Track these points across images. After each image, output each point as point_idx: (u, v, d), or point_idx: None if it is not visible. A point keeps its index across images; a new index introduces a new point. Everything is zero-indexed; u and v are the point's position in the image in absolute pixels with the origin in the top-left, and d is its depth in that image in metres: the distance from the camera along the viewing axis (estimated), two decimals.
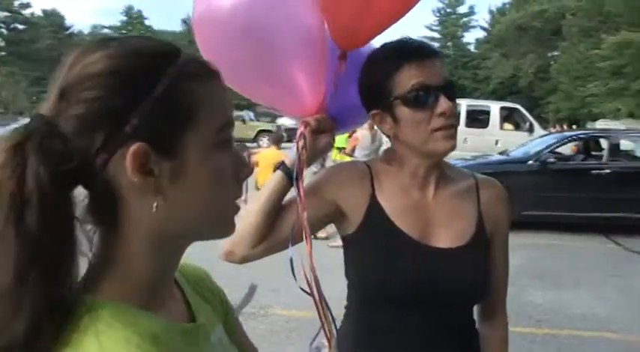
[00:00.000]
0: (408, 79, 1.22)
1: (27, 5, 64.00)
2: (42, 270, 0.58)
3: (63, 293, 0.60)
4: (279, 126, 20.60)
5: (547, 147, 9.10)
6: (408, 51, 1.24)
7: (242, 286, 4.92)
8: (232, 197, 0.72)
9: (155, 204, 0.64)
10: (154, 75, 0.64)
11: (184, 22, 69.43)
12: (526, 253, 6.74)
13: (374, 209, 1.31)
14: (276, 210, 1.30)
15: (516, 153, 9.75)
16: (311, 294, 1.24)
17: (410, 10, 1.29)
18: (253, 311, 4.54)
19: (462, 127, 14.23)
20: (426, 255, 1.28)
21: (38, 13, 66.85)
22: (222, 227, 0.73)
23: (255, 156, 7.51)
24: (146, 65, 0.64)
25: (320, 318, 1.27)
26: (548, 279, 6.06)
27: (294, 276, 1.23)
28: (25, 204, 0.57)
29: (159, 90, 0.63)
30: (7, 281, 0.56)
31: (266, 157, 7.19)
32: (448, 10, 64.94)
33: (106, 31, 74.83)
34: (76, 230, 0.62)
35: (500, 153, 10.34)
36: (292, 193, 1.31)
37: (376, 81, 1.26)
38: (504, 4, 58.81)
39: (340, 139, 8.52)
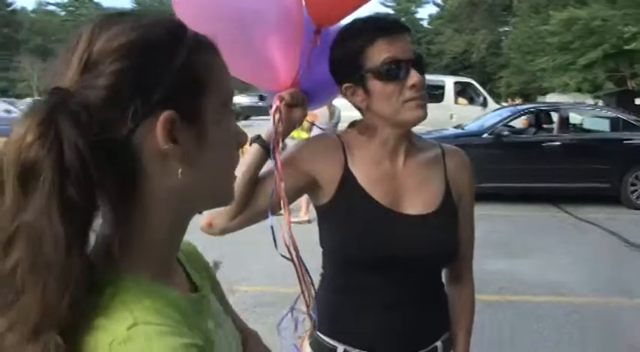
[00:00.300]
0: (380, 53, 1.28)
1: None
2: (84, 243, 0.59)
3: (93, 264, 0.61)
4: (234, 104, 20.39)
5: (501, 121, 9.35)
6: (380, 26, 1.30)
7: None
8: (237, 161, 0.76)
9: (180, 170, 0.66)
10: (174, 45, 0.66)
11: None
12: (482, 224, 6.86)
13: (347, 179, 1.36)
14: (253, 182, 1.34)
15: (471, 126, 9.97)
16: (292, 260, 1.30)
17: None
18: None
19: None
20: (397, 221, 1.35)
21: None
22: (228, 195, 0.77)
23: None
24: (166, 36, 0.66)
25: (300, 284, 1.34)
26: (503, 248, 6.29)
27: (275, 244, 1.29)
28: (67, 177, 0.56)
29: (180, 59, 0.65)
30: (59, 257, 0.56)
31: None
32: None
33: (51, 7, 72.15)
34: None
35: (456, 127, 10.55)
36: (268, 166, 1.36)
37: (348, 55, 1.31)
38: None
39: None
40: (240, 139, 0.76)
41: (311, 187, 1.39)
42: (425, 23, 65.39)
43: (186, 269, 0.84)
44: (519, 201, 8.72)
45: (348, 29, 1.33)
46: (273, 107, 1.35)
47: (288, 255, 1.31)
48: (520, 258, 6.00)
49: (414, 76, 1.28)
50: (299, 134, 7.47)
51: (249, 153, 1.35)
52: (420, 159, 1.41)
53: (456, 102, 14.90)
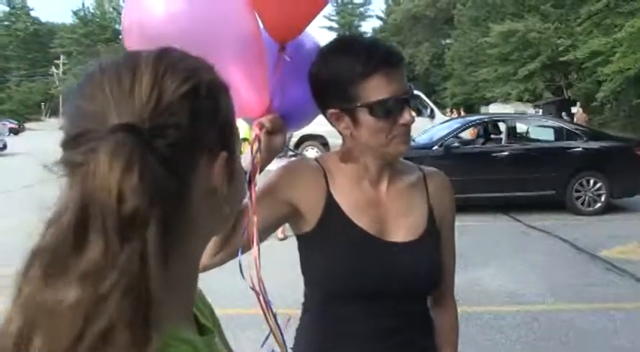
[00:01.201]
0: (375, 89, 1.22)
1: None
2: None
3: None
4: None
5: (450, 133, 9.55)
6: (376, 58, 1.23)
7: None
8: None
9: (224, 207, 0.69)
10: (220, 87, 0.69)
11: (75, 13, 65.84)
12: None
13: (330, 206, 1.33)
14: None
15: (421, 139, 10.13)
16: (258, 299, 1.26)
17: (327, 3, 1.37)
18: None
19: None
20: (384, 249, 1.32)
21: None
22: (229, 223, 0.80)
23: None
24: (215, 78, 0.69)
25: (269, 325, 1.29)
26: (460, 259, 6.36)
27: (243, 276, 1.27)
28: (166, 226, 0.55)
29: (224, 101, 0.68)
30: (110, 295, 0.51)
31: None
32: (345, 0, 65.99)
33: None
34: None
35: None
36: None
37: (338, 81, 1.25)
38: None
39: (245, 130, 8.24)
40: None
41: (292, 216, 1.34)
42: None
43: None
44: (471, 211, 8.90)
45: (335, 51, 1.28)
46: (252, 135, 1.31)
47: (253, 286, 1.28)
48: (476, 267, 6.07)
49: (407, 116, 1.25)
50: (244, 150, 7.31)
51: None
52: (403, 184, 1.39)
53: None
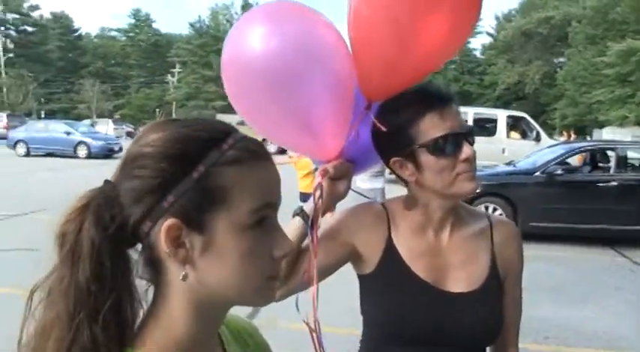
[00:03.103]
0: (432, 127, 1.25)
1: (36, 7, 64.40)
2: (89, 315, 0.68)
3: (112, 338, 0.69)
4: None
5: (554, 159, 9.12)
6: (429, 98, 1.27)
7: None
8: (263, 275, 0.75)
9: (183, 273, 0.71)
10: (194, 160, 0.71)
11: (192, 25, 69.53)
12: (533, 265, 6.73)
13: (390, 252, 1.34)
14: (293, 257, 1.33)
15: (523, 163, 9.78)
16: (312, 335, 1.27)
17: (438, 67, 1.35)
18: (259, 323, 4.56)
19: None
20: (440, 299, 1.31)
21: (47, 15, 66.96)
22: (256, 299, 0.77)
23: (292, 162, 7.37)
24: (190, 151, 0.72)
25: None
26: (555, 293, 6.08)
27: (298, 309, 1.29)
28: (79, 258, 0.68)
29: (195, 174, 0.70)
30: (63, 315, 0.68)
31: (302, 165, 7.12)
32: None
33: (113, 33, 75.18)
34: (127, 283, 0.71)
35: (507, 164, 10.37)
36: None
37: (396, 128, 1.27)
38: (510, 10, 58.94)
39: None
40: (274, 252, 0.75)
41: (352, 257, 1.38)
42: (478, 53, 64.95)
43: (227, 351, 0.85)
44: (572, 243, 8.45)
45: (394, 102, 1.30)
46: (315, 182, 1.34)
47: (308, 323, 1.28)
48: (571, 304, 5.77)
49: (467, 150, 1.26)
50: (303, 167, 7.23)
51: (290, 227, 1.32)
52: (467, 233, 1.38)
53: (508, 136, 14.69)
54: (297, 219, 1.34)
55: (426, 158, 1.27)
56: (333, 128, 1.30)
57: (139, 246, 0.74)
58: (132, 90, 68.10)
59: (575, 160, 11.24)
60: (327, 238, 1.35)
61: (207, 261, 0.71)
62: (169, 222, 0.69)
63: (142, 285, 0.75)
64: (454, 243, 1.36)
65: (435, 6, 1.17)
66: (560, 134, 27.52)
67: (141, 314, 0.75)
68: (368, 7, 1.22)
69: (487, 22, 64.13)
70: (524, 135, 15.10)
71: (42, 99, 55.61)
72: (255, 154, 0.74)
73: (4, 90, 50.03)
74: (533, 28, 48.84)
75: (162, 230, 0.69)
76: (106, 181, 0.73)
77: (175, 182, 0.70)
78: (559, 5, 47.82)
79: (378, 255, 1.35)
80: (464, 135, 1.27)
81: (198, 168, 0.70)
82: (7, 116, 31.41)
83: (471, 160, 1.27)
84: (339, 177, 1.35)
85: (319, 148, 1.35)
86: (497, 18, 61.83)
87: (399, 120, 1.28)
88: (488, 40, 63.45)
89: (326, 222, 1.39)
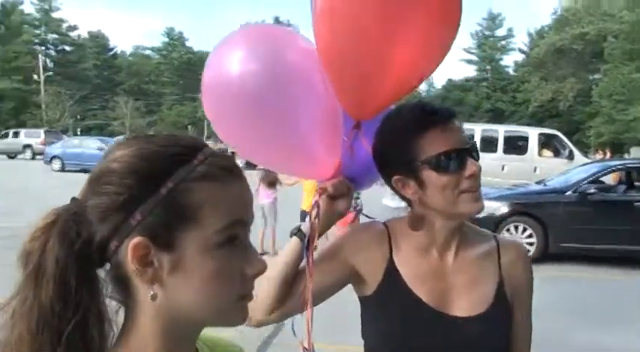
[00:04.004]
0: (434, 143, 1.20)
1: (74, 27, 66.44)
2: (52, 336, 0.65)
3: None
4: None
5: (587, 177, 8.88)
6: (429, 115, 1.23)
7: None
8: (234, 294, 0.73)
9: (152, 293, 0.69)
10: (162, 177, 0.69)
11: None
12: (565, 287, 6.56)
13: (391, 274, 1.29)
14: (291, 278, 1.28)
15: (555, 182, 9.55)
16: None
17: (416, 86, 1.31)
18: (283, 342, 4.52)
19: (499, 154, 14.08)
20: (442, 323, 1.26)
21: (84, 35, 68.96)
22: (227, 319, 0.75)
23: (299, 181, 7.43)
24: (158, 167, 0.70)
25: None
26: (588, 316, 5.84)
27: (295, 333, 1.28)
28: (43, 277, 0.66)
29: (163, 191, 0.68)
30: (25, 335, 0.66)
31: (308, 183, 7.15)
32: (486, 32, 64.68)
33: (148, 52, 76.91)
34: (95, 303, 0.68)
35: (538, 183, 10.14)
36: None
37: (397, 145, 1.24)
38: (543, 27, 58.39)
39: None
40: (246, 270, 0.73)
41: (353, 278, 1.33)
42: (510, 70, 64.36)
43: None
44: (606, 264, 8.17)
45: (393, 120, 1.27)
46: (312, 201, 1.30)
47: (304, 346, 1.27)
48: (602, 328, 5.50)
49: (471, 166, 1.21)
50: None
51: (287, 248, 1.30)
52: (472, 254, 1.32)
53: (539, 154, 14.42)
54: (294, 239, 1.31)
55: (429, 175, 1.22)
56: (324, 149, 1.28)
57: (108, 266, 0.72)
58: (165, 107, 69.45)
59: (610, 179, 10.94)
60: (327, 258, 1.32)
61: (176, 280, 0.69)
62: (136, 240, 0.67)
63: (113, 306, 0.73)
64: (459, 265, 1.30)
65: (406, 15, 1.12)
66: (596, 152, 26.99)
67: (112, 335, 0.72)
68: (333, 16, 1.18)
69: (520, 38, 63.76)
70: (556, 154, 14.81)
71: (78, 116, 57.09)
72: (226, 170, 0.72)
73: (43, 107, 51.49)
74: (568, 44, 48.27)
75: (129, 248, 0.67)
76: (73, 199, 0.71)
77: (142, 199, 0.68)
78: (594, 21, 47.21)
79: (379, 276, 1.30)
80: (468, 151, 1.22)
81: (167, 184, 0.68)
82: (45, 132, 32.26)
83: (476, 177, 1.22)
84: (339, 195, 1.31)
85: (314, 169, 1.33)
86: (529, 34, 61.37)
87: (398, 138, 1.24)
88: (520, 56, 62.99)
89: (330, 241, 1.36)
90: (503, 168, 13.66)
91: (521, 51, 62.81)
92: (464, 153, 1.21)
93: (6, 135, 32.46)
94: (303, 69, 1.23)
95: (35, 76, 53.13)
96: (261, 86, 1.17)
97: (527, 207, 8.35)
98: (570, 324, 5.38)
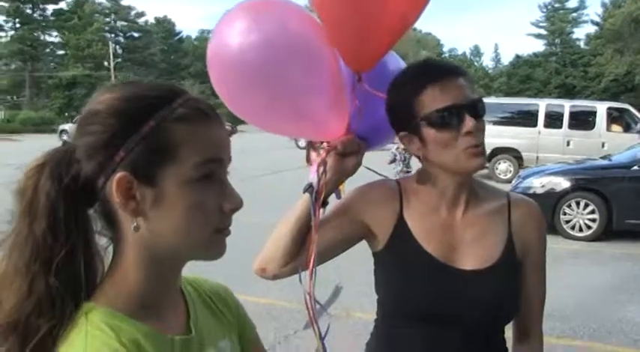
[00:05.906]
0: (431, 100, 1.23)
1: (142, 14, 68.24)
2: (44, 266, 0.73)
3: (66, 289, 0.74)
4: None
5: None
6: (430, 72, 1.25)
7: (328, 285, 4.97)
8: (211, 226, 0.79)
9: (135, 224, 0.75)
10: (144, 116, 0.75)
11: None
12: (628, 264, 6.31)
13: (400, 228, 1.32)
14: (304, 232, 1.31)
15: (620, 157, 9.11)
16: (307, 306, 1.31)
17: (410, 26, 1.33)
18: (335, 313, 4.59)
19: (564, 129, 13.59)
20: (450, 276, 1.28)
21: (151, 21, 70.70)
22: (205, 251, 0.81)
23: None
24: (139, 108, 0.76)
25: (314, 331, 1.33)
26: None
27: (301, 281, 1.30)
28: (36, 213, 0.74)
29: (145, 129, 0.75)
30: (20, 266, 0.73)
31: None
32: (556, 5, 61.92)
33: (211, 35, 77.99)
34: (84, 237, 0.77)
35: (603, 158, 9.73)
36: (325, 210, 1.35)
37: (401, 103, 1.27)
38: None
39: None
40: (223, 206, 0.79)
41: (366, 235, 1.36)
42: (582, 44, 61.44)
43: (190, 311, 0.88)
44: None
45: (399, 77, 1.30)
46: (318, 159, 1.33)
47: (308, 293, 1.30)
48: None
49: (468, 123, 1.22)
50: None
51: (299, 203, 1.33)
52: (481, 210, 1.33)
53: (608, 129, 13.78)
54: (306, 195, 1.34)
55: (428, 132, 1.25)
56: (328, 109, 1.31)
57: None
58: None
59: None
60: (338, 214, 1.35)
61: (157, 213, 0.75)
62: (120, 174, 0.74)
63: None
64: (468, 220, 1.32)
65: None
66: None
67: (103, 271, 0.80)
68: None
69: (593, 9, 60.55)
70: (627, 129, 14.12)
71: None
72: (204, 113, 0.79)
73: None
74: None
75: (114, 182, 0.74)
76: (64, 142, 0.80)
77: (125, 137, 0.74)
78: None
79: (389, 231, 1.33)
80: (466, 108, 1.23)
81: (148, 123, 0.75)
82: None
83: (475, 134, 1.23)
84: (348, 153, 1.33)
85: (321, 128, 1.35)
86: (604, 4, 58.16)
87: (402, 95, 1.27)
88: (593, 29, 60.01)
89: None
90: (568, 144, 13.22)
91: (593, 22, 59.85)
92: (461, 109, 1.22)
93: None
94: (303, 35, 1.28)
95: (105, 63, 55.11)
96: (264, 55, 1.22)
97: (590, 183, 8.00)
98: (629, 301, 5.20)
